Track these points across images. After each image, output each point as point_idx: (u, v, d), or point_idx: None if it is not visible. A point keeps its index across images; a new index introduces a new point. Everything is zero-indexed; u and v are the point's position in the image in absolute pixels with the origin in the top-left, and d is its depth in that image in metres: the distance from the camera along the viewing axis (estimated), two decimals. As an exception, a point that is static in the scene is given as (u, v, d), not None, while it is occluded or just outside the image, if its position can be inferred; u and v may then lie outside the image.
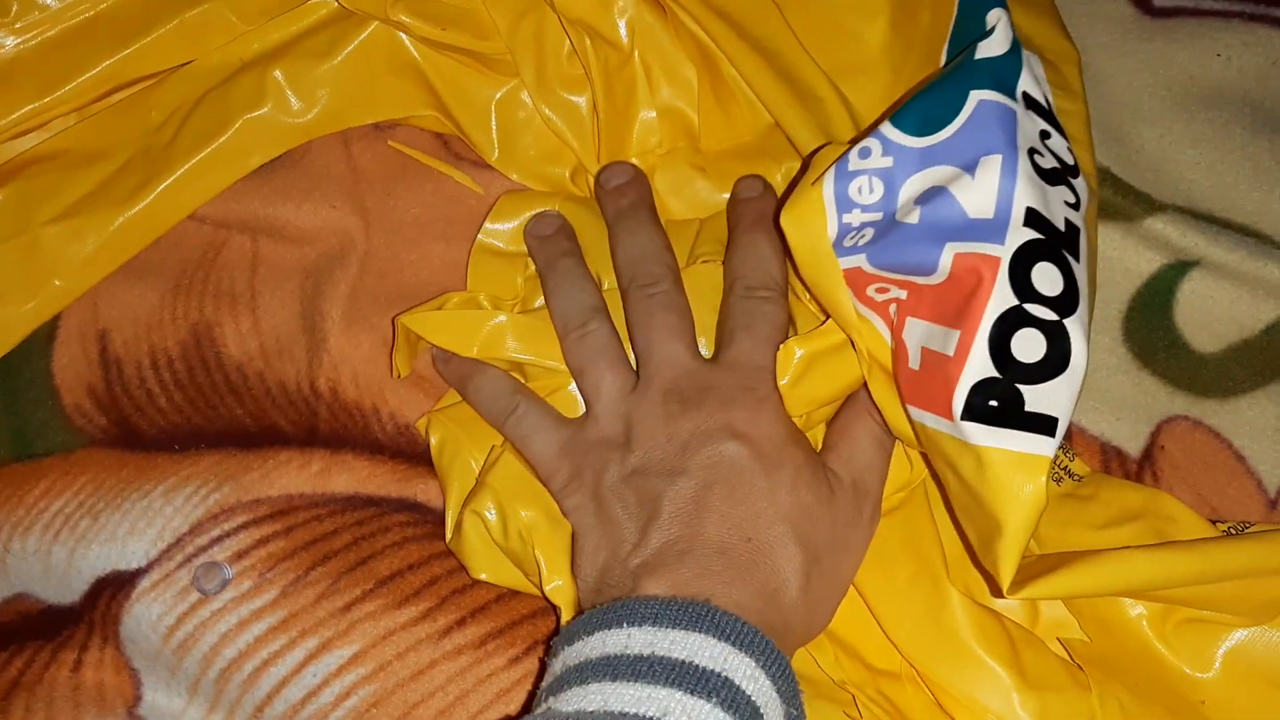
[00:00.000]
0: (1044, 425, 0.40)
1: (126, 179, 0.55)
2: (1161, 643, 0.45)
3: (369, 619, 0.50)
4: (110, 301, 0.55)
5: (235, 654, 0.49)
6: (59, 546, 0.50)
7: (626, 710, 0.37)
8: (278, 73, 0.55)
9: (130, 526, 0.50)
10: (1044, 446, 0.40)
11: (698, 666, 0.38)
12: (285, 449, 0.52)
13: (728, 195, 0.54)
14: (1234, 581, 0.43)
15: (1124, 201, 0.56)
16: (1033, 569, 0.42)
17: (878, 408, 0.46)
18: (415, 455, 0.53)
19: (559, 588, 0.47)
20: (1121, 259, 0.55)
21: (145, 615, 0.49)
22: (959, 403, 0.41)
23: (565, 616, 0.47)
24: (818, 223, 0.45)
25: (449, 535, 0.49)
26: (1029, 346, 0.40)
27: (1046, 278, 0.41)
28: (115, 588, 0.50)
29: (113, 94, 0.56)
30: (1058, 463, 0.50)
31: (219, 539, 0.50)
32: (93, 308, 0.55)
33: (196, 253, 0.56)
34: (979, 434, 0.40)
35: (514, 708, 0.48)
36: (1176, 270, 0.54)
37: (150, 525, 0.50)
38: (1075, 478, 0.50)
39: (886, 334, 0.45)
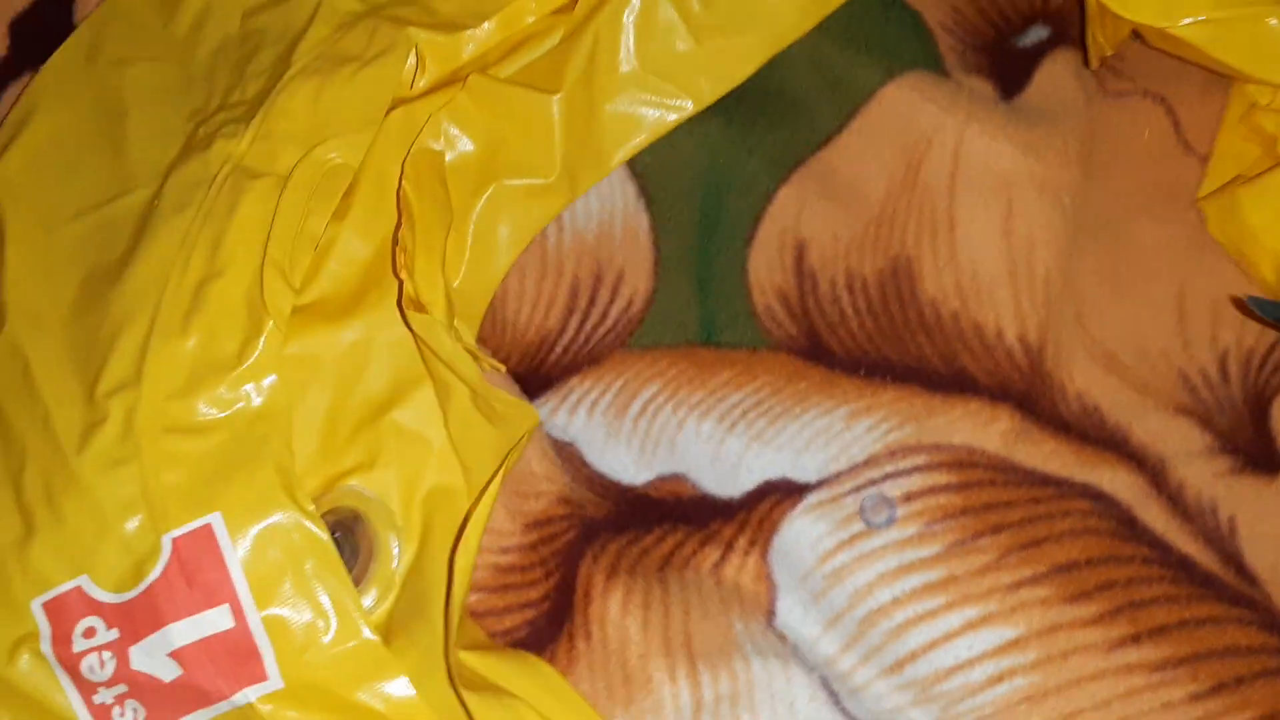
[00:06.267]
0: None
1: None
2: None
3: (1037, 605, 0.43)
4: (813, 215, 0.51)
5: (889, 599, 0.44)
6: (733, 439, 0.47)
7: None
8: None
9: (807, 441, 0.46)
10: None
11: None
12: (974, 399, 0.46)
13: None
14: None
15: None
16: None
17: None
18: (1101, 440, 0.46)
19: None
20: None
21: (808, 531, 0.45)
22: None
23: None
24: None
25: None
26: None
27: None
28: (783, 494, 0.45)
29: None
30: None
31: (892, 475, 0.45)
32: (795, 217, 0.51)
33: (900, 173, 0.51)
34: None
35: (1193, 751, 0.41)
36: None
37: (828, 445, 0.46)
38: None
39: None
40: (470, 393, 0.45)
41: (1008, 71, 0.52)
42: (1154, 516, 0.44)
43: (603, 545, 0.45)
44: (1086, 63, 0.52)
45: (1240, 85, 0.50)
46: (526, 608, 0.44)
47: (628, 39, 0.49)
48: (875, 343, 0.48)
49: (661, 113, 0.50)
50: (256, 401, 0.43)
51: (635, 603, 0.43)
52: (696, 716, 0.41)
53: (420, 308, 0.46)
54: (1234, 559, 0.43)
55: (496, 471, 0.45)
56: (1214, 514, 0.44)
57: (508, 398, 0.45)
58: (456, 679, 0.41)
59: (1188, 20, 0.46)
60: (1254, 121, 0.50)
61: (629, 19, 0.49)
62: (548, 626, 0.44)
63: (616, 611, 0.43)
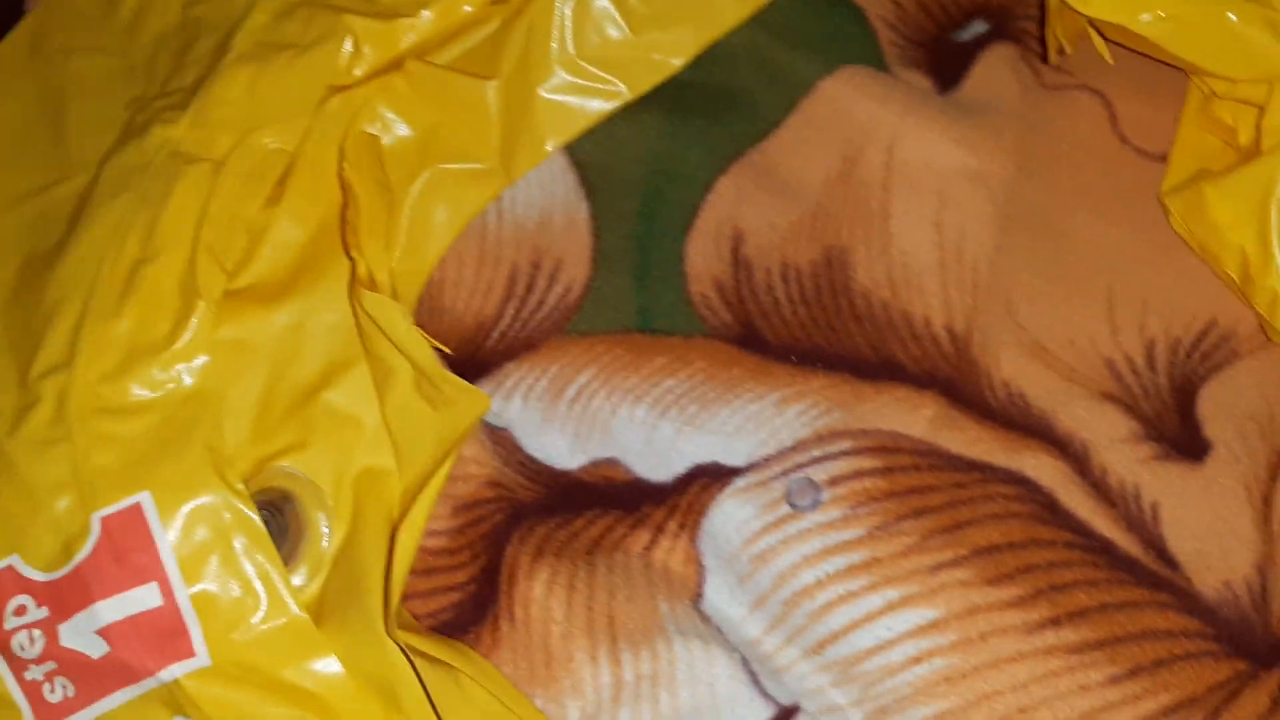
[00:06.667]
0: None
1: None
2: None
3: (958, 588, 0.43)
4: (751, 206, 0.51)
5: (812, 581, 0.44)
6: (666, 424, 0.47)
7: None
8: None
9: (738, 426, 0.46)
10: None
11: None
12: (901, 386, 0.46)
13: None
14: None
15: None
16: None
17: None
18: (1025, 426, 0.46)
19: None
20: None
21: (735, 514, 0.45)
22: None
23: None
24: None
25: None
26: None
27: None
28: (712, 478, 0.46)
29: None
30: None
31: (819, 460, 0.45)
32: (733, 208, 0.51)
33: (837, 166, 0.52)
34: None
35: (1108, 733, 0.41)
36: None
37: (758, 430, 0.46)
38: None
39: None
40: (413, 376, 0.46)
41: (946, 66, 0.53)
42: (1077, 502, 0.44)
43: (530, 528, 0.45)
44: (1044, 58, 0.52)
45: (1198, 76, 0.51)
46: (452, 590, 0.44)
47: (562, 27, 0.49)
48: (807, 331, 0.48)
49: (598, 101, 0.50)
50: (188, 382, 0.43)
51: (560, 584, 0.43)
52: (616, 695, 0.41)
53: (373, 287, 0.46)
54: (1155, 544, 0.44)
55: (448, 453, 0.45)
56: (1137, 500, 0.44)
57: (458, 381, 0.45)
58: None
59: (1147, 16, 0.46)
60: (1212, 112, 0.50)
61: (564, 8, 0.50)
62: (473, 609, 0.44)
63: (541, 593, 0.43)
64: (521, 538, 0.44)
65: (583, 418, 0.48)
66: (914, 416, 0.46)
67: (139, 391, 0.43)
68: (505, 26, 0.50)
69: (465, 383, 0.45)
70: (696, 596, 0.45)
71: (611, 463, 0.47)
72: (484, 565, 0.44)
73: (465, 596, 0.44)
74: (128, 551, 0.41)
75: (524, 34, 0.50)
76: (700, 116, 0.52)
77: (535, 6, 0.50)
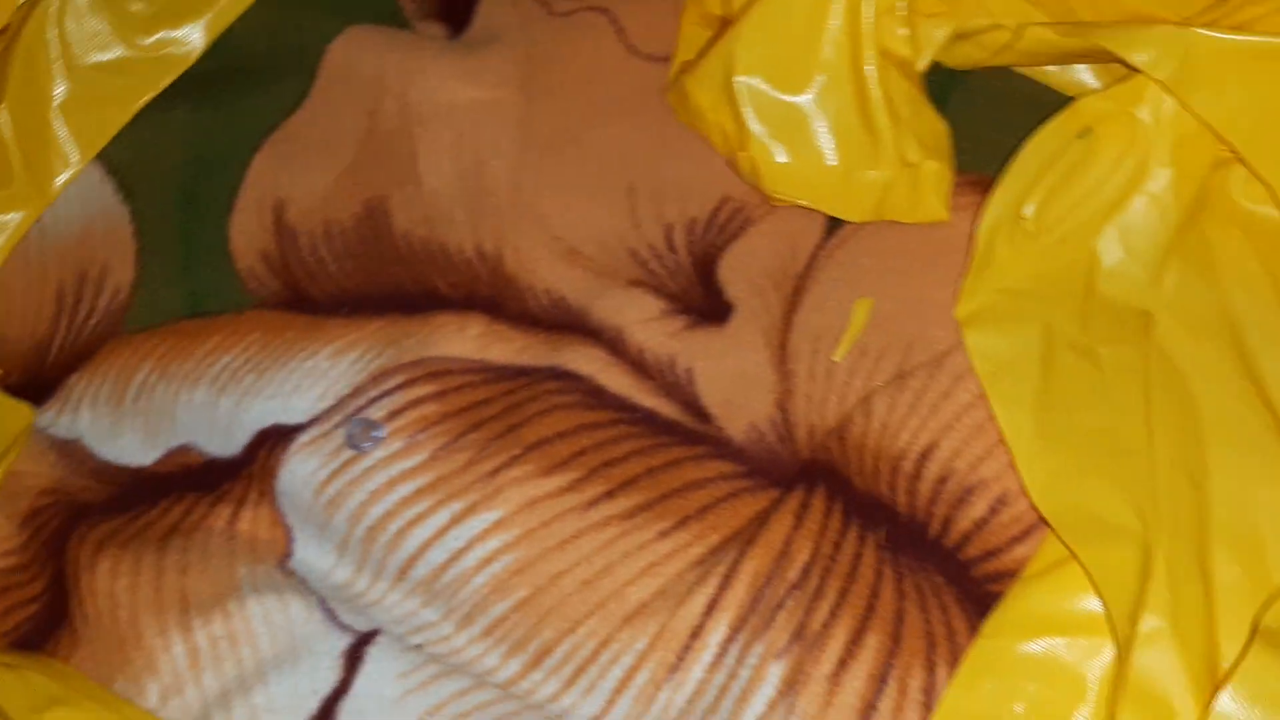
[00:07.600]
0: None
1: None
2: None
3: (515, 484, 0.45)
4: (289, 176, 0.52)
5: (382, 513, 0.45)
6: (225, 399, 0.48)
7: None
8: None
9: (296, 384, 0.48)
10: None
11: None
12: (445, 313, 0.49)
13: None
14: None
15: None
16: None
17: None
18: (565, 325, 0.49)
19: None
20: None
21: (302, 468, 0.46)
22: None
23: None
24: None
25: None
26: None
27: None
28: (275, 440, 0.47)
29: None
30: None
31: (376, 399, 0.47)
32: (272, 182, 0.53)
33: (364, 122, 0.53)
34: None
35: (662, 582, 0.43)
36: None
37: (315, 385, 0.47)
38: None
39: None
40: None
41: (456, 11, 0.55)
42: (618, 382, 0.47)
43: (92, 525, 0.45)
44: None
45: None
46: (29, 604, 0.44)
47: (60, 44, 0.50)
48: (355, 281, 0.50)
49: (117, 105, 0.52)
50: None
51: (124, 571, 0.44)
52: (194, 662, 0.42)
53: None
54: (692, 404, 0.47)
55: None
56: (672, 368, 0.47)
57: None
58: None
59: None
60: (704, 7, 0.53)
61: (52, 31, 0.50)
62: (49, 617, 0.44)
63: (105, 584, 0.43)
64: (82, 536, 0.45)
65: (149, 412, 0.48)
66: (460, 338, 0.48)
67: None
68: (4, 52, 0.50)
69: (6, 397, 0.45)
70: (285, 556, 0.46)
71: (184, 449, 0.48)
72: (53, 571, 0.45)
73: (41, 607, 0.44)
74: None
75: (23, 56, 0.50)
76: (227, 102, 0.53)
77: (29, 28, 0.50)
